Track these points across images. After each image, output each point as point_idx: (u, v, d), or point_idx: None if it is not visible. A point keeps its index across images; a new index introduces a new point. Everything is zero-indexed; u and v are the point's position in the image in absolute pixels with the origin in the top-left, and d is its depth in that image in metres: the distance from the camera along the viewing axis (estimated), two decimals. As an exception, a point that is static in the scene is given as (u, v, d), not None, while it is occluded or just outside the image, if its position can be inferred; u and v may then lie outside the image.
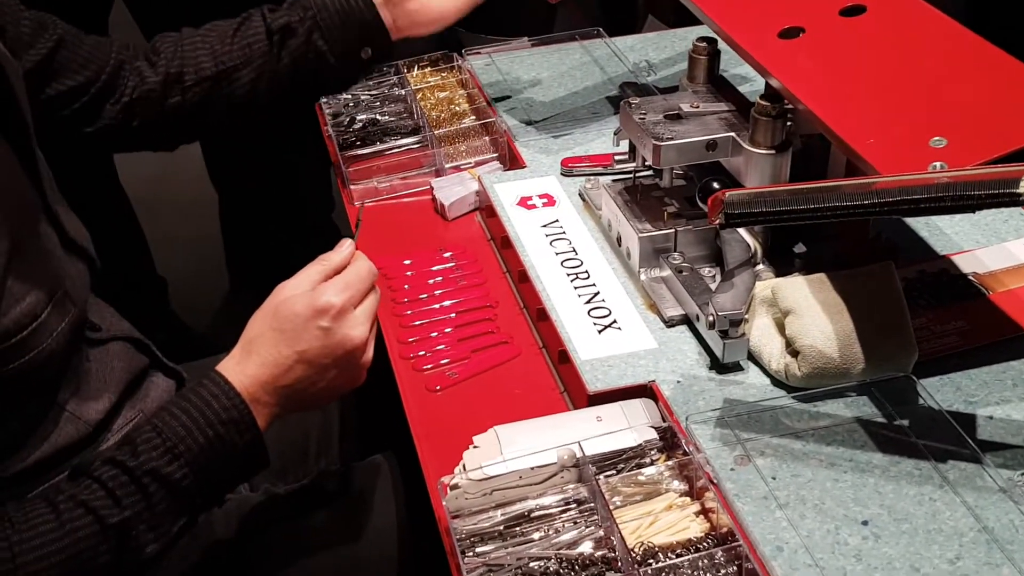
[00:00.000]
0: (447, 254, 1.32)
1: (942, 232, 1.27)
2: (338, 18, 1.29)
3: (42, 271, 0.98)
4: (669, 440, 1.00)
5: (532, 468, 0.97)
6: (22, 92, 1.04)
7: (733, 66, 1.54)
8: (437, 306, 1.23)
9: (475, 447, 1.01)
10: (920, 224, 1.29)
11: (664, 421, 1.03)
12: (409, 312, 1.23)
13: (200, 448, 0.95)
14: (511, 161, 1.46)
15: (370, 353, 1.02)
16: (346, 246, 1.05)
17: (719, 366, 1.09)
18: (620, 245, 1.25)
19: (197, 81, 1.28)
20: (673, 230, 1.19)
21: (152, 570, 1.09)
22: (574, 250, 1.26)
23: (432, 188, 1.41)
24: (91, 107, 1.24)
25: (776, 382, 1.07)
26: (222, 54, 1.29)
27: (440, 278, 1.28)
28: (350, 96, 1.57)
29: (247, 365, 0.99)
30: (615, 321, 1.15)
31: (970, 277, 1.19)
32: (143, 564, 0.94)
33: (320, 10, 1.29)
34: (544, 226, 1.30)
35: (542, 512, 0.95)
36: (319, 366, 0.99)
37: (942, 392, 1.05)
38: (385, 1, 1.31)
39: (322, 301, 0.99)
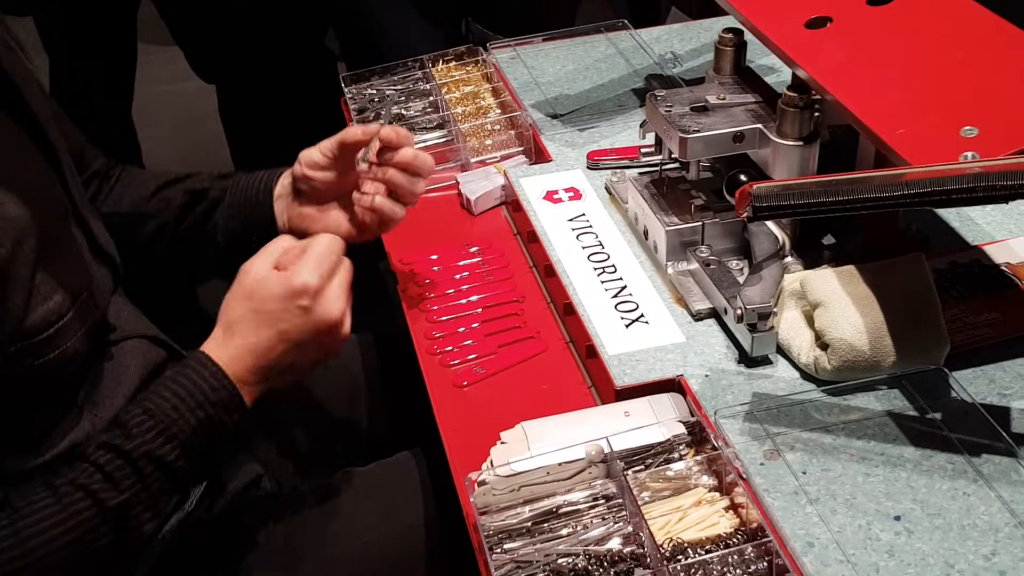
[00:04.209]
0: (473, 249, 1.31)
1: (974, 222, 1.26)
2: (241, 197, 1.22)
3: (70, 273, 1.00)
4: (698, 435, 0.99)
5: (560, 464, 0.96)
6: (46, 116, 1.06)
7: (760, 56, 1.53)
8: (464, 301, 1.23)
9: (502, 443, 1.01)
10: (951, 214, 1.27)
11: (692, 416, 1.02)
12: (436, 307, 1.22)
13: (192, 429, 0.96)
14: (537, 155, 1.45)
15: (347, 327, 1.03)
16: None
17: (748, 360, 1.08)
18: (647, 239, 1.24)
19: (111, 214, 1.23)
20: (700, 223, 1.18)
21: (171, 567, 1.10)
22: (600, 244, 1.26)
23: (458, 183, 1.41)
24: None
25: (806, 376, 1.06)
26: (139, 200, 1.25)
27: (466, 273, 1.28)
28: (375, 92, 1.58)
29: (229, 347, 1.00)
30: (642, 315, 1.15)
31: (1003, 267, 1.17)
32: (141, 542, 0.96)
33: (234, 186, 1.23)
34: (570, 220, 1.30)
35: (570, 508, 0.94)
36: (300, 344, 1.01)
37: (975, 385, 1.04)
38: (280, 196, 1.21)
39: (298, 282, 0.99)
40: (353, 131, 1.15)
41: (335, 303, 1.01)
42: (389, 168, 1.14)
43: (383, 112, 1.51)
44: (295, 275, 1.00)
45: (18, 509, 0.91)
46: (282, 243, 1.04)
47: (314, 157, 1.17)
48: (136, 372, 1.11)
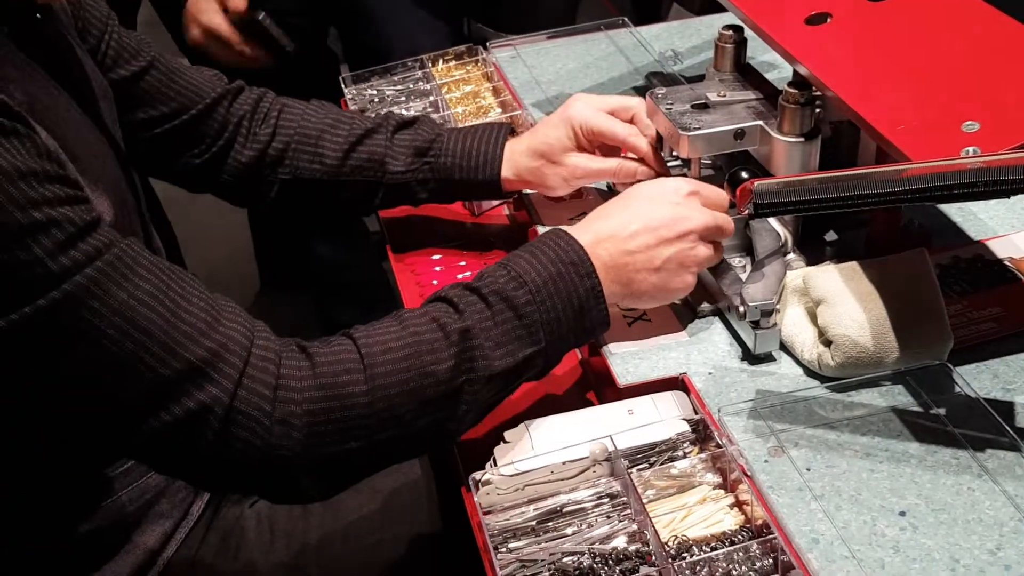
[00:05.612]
0: (476, 249, 1.31)
1: (976, 217, 1.26)
2: (456, 173, 1.26)
3: None
4: (702, 432, 0.99)
5: (564, 463, 0.96)
6: (112, 118, 1.08)
7: (760, 53, 1.52)
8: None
9: (506, 442, 1.01)
10: (954, 209, 1.27)
11: (696, 413, 1.02)
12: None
13: (543, 280, 0.97)
14: (538, 154, 1.45)
15: (704, 251, 1.05)
16: None
17: (751, 357, 1.08)
18: (649, 236, 1.24)
19: (293, 178, 1.26)
20: (702, 220, 1.18)
21: None
22: (603, 242, 1.25)
23: (459, 182, 1.40)
24: (169, 145, 1.25)
25: (809, 372, 1.06)
26: (332, 168, 1.26)
27: (469, 273, 1.28)
28: (376, 92, 1.57)
29: (588, 226, 1.03)
30: (644, 313, 1.14)
31: (1006, 262, 1.17)
32: (492, 378, 0.95)
33: (444, 155, 1.27)
34: (572, 219, 1.29)
35: (575, 507, 0.94)
36: (660, 239, 1.02)
37: (979, 380, 1.04)
38: (516, 168, 1.26)
39: (673, 183, 1.06)
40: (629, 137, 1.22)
41: (701, 215, 1.04)
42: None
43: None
44: (671, 180, 1.07)
45: (358, 331, 0.94)
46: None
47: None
48: None
